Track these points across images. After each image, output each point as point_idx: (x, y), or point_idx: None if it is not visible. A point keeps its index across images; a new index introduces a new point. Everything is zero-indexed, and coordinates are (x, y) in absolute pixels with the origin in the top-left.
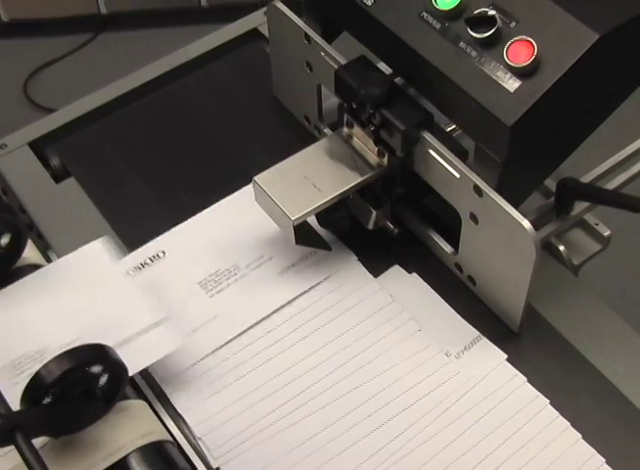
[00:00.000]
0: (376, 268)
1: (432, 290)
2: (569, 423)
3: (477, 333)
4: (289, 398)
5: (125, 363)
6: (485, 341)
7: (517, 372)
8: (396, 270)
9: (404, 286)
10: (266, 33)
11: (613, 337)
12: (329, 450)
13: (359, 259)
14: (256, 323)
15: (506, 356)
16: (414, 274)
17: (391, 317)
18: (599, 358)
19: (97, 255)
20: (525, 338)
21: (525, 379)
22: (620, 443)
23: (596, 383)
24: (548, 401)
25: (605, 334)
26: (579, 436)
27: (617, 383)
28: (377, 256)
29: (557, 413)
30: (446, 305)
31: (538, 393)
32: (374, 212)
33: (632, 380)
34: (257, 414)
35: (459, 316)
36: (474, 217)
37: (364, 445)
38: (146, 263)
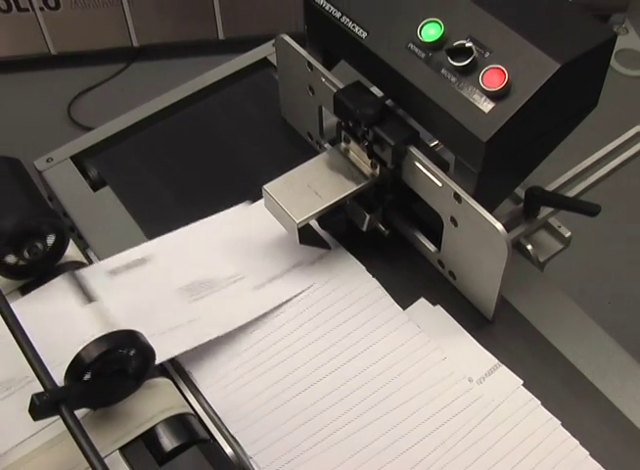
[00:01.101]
0: (403, 300)
1: (454, 321)
2: (577, 442)
3: (495, 361)
4: (321, 449)
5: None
6: (504, 368)
7: (532, 396)
8: (422, 303)
9: (430, 317)
10: (275, 62)
11: (572, 323)
12: None
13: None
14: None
15: (522, 382)
16: (438, 306)
17: (419, 347)
18: (560, 342)
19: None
20: (497, 324)
21: (539, 403)
22: (572, 409)
23: (557, 362)
24: (560, 423)
25: (565, 321)
26: (587, 453)
27: (575, 362)
28: (404, 288)
29: (568, 434)
30: (468, 335)
31: (551, 415)
32: (368, 216)
33: (589, 360)
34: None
35: (479, 345)
36: (454, 221)
37: (392, 467)
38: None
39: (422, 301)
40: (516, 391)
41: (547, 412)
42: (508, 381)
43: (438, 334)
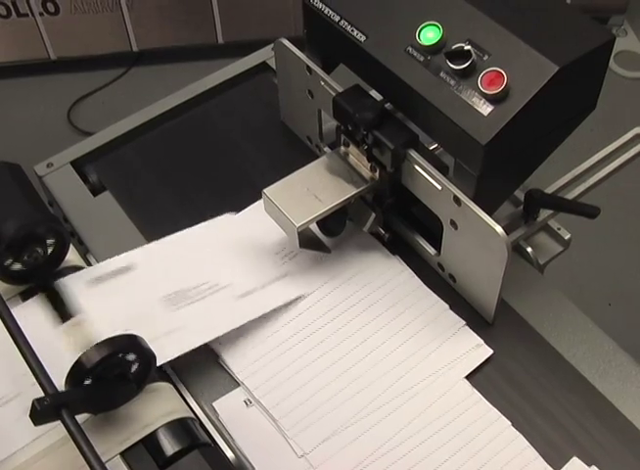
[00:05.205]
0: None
1: None
2: None
3: None
4: None
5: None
6: None
7: None
8: (576, 463)
9: None
10: (274, 66)
11: (572, 325)
12: None
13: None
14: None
15: None
16: (593, 467)
17: None
18: (560, 343)
19: None
20: (498, 326)
21: None
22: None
23: (558, 365)
24: None
25: (565, 323)
26: None
27: (575, 364)
28: (555, 446)
29: None
30: None
31: None
32: (373, 215)
33: (589, 362)
34: None
35: None
36: (453, 224)
37: None
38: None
39: (574, 460)
40: None
41: None
42: None
43: None
